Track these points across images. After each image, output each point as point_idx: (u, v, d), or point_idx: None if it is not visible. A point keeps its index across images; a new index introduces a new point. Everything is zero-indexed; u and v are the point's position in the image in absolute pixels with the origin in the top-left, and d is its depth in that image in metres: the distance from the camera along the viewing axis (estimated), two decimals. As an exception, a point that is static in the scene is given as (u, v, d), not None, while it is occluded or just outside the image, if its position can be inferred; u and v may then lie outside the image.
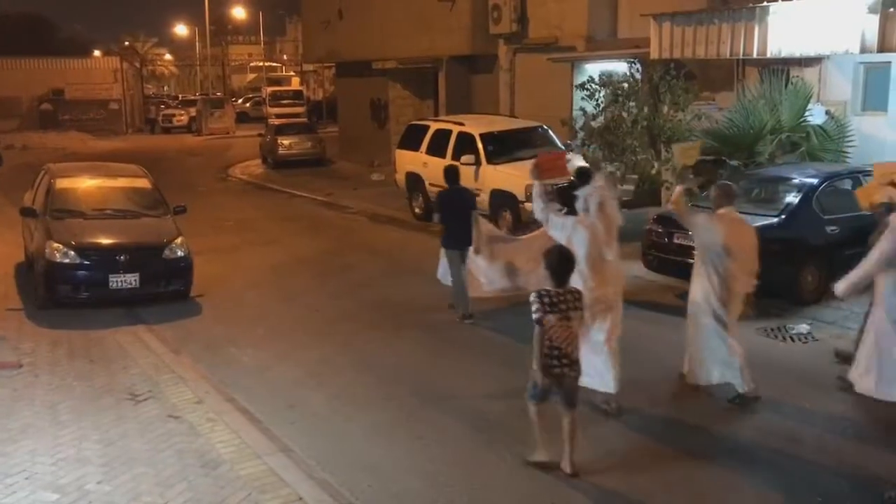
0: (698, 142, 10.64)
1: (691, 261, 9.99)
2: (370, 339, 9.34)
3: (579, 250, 6.67)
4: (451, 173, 10.25)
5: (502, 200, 13.75)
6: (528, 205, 12.59)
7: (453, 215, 9.67)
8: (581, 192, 7.01)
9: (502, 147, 14.83)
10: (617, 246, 7.00)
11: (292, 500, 5.65)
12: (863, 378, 6.79)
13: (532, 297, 5.86)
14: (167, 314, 10.28)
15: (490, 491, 5.90)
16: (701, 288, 7.14)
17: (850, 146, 12.69)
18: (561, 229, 6.98)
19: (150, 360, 8.55)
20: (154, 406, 7.30)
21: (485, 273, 9.51)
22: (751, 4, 12.84)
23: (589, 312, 6.57)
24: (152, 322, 10.01)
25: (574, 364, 5.90)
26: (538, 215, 7.38)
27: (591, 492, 5.72)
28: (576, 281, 6.25)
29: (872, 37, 10.91)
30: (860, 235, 9.90)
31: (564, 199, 7.61)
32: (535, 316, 5.79)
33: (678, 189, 7.40)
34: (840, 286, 6.48)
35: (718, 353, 7.09)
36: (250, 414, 7.18)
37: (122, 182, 12.16)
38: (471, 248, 9.50)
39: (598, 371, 6.81)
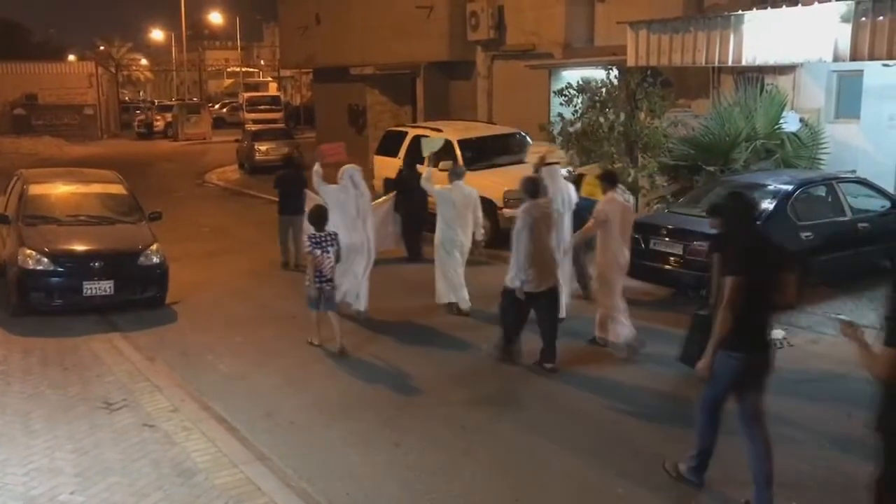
0: (442, 138, 13.68)
1: (668, 267, 10.16)
2: (347, 344, 9.30)
3: (341, 209, 9.73)
4: (288, 160, 14.11)
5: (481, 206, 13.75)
6: (506, 210, 12.69)
7: (287, 191, 12.90)
8: (341, 170, 10.08)
9: (480, 153, 14.82)
10: (371, 211, 10.24)
11: (269, 509, 5.61)
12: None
13: (304, 238, 9.08)
14: (142, 321, 10.18)
15: (469, 498, 5.89)
16: (441, 235, 10.09)
17: (824, 153, 12.84)
18: (327, 194, 10.04)
19: (124, 368, 8.45)
20: (129, 415, 7.22)
21: None
22: (726, 13, 12.97)
23: (351, 251, 9.73)
24: (127, 329, 9.91)
25: (330, 281, 8.94)
26: (315, 185, 10.35)
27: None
28: (346, 230, 9.62)
29: (845, 45, 11.06)
30: (834, 241, 10.11)
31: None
32: (306, 250, 8.99)
33: (428, 170, 11.11)
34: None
35: (452, 280, 10.11)
36: (227, 422, 7.12)
37: (96, 188, 12.03)
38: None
39: (356, 293, 9.97)
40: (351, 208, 9.82)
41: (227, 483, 5.95)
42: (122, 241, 10.81)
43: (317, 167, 10.46)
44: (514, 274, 8.09)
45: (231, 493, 5.79)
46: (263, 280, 12.52)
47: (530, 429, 6.98)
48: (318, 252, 8.79)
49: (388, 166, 16.47)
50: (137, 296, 10.54)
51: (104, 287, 10.17)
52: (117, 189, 12.04)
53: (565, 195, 9.45)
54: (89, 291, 10.13)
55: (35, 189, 11.51)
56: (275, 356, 8.99)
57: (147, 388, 7.85)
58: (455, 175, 10.27)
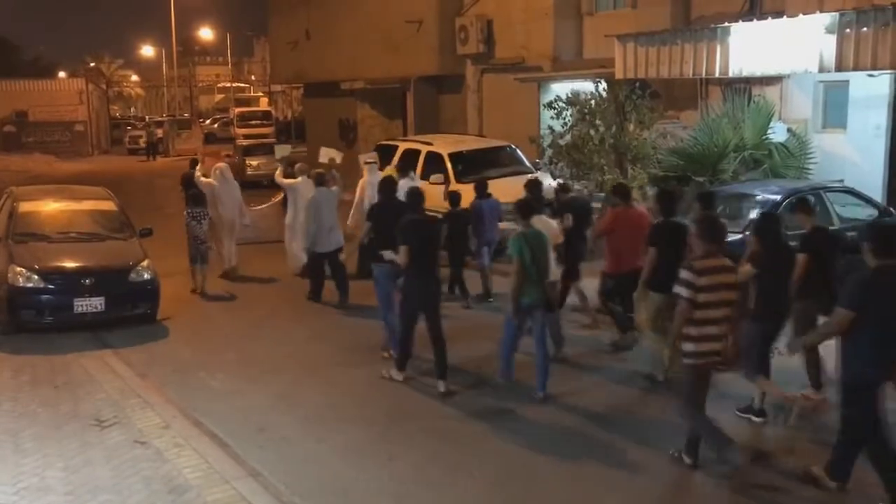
0: (341, 153, 15.15)
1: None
2: (340, 360, 9.29)
3: (214, 196, 13.07)
4: (193, 162, 15.40)
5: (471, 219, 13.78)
6: (502, 224, 12.78)
7: (191, 187, 14.26)
8: (213, 168, 13.50)
9: (471, 166, 14.84)
10: (243, 205, 13.74)
11: (262, 525, 5.60)
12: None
13: (185, 215, 12.61)
14: (133, 338, 10.14)
15: (461, 511, 5.89)
16: (292, 216, 12.95)
17: (812, 163, 12.94)
18: (207, 189, 12.97)
19: (116, 385, 8.42)
20: (120, 432, 7.19)
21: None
22: (713, 25, 13.09)
23: (225, 226, 13.29)
24: (118, 346, 9.87)
25: (204, 242, 12.41)
26: (196, 181, 13.12)
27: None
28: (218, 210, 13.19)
29: (830, 56, 11.17)
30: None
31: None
32: (186, 223, 12.53)
33: (279, 169, 13.86)
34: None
35: (296, 251, 12.78)
36: (219, 438, 7.09)
37: (86, 205, 12.01)
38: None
39: (231, 256, 13.48)
40: (222, 195, 13.23)
41: (219, 499, 5.92)
42: (112, 257, 10.78)
43: (198, 166, 13.88)
44: (308, 241, 11.48)
45: (223, 510, 5.77)
46: (255, 295, 12.49)
47: (523, 441, 6.99)
48: (195, 224, 12.41)
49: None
50: (128, 312, 10.51)
51: (95, 304, 10.14)
52: (107, 206, 12.03)
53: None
54: (80, 308, 10.10)
55: (25, 206, 11.49)
56: (268, 371, 8.97)
57: (138, 405, 7.83)
58: (315, 178, 12.56)
